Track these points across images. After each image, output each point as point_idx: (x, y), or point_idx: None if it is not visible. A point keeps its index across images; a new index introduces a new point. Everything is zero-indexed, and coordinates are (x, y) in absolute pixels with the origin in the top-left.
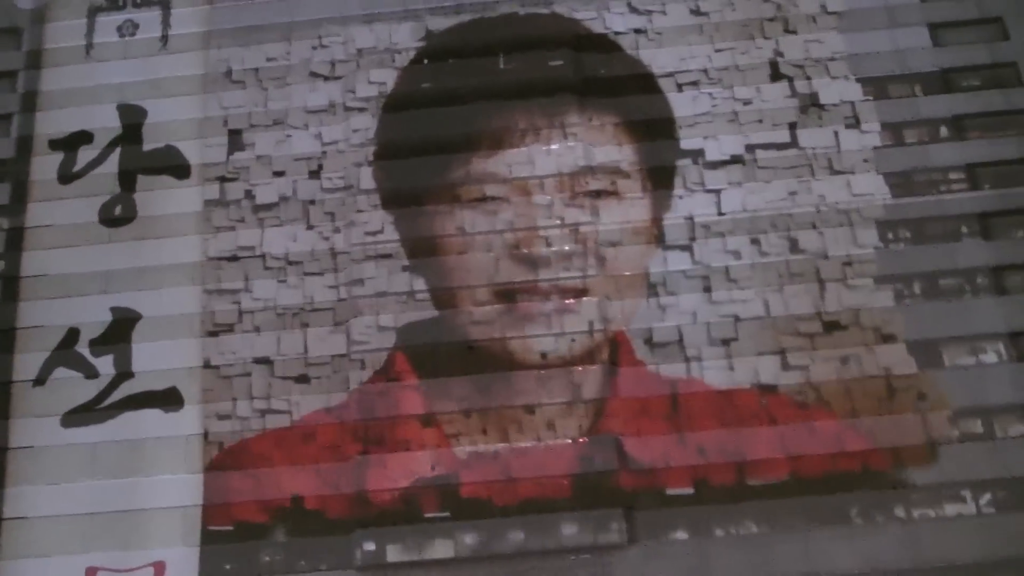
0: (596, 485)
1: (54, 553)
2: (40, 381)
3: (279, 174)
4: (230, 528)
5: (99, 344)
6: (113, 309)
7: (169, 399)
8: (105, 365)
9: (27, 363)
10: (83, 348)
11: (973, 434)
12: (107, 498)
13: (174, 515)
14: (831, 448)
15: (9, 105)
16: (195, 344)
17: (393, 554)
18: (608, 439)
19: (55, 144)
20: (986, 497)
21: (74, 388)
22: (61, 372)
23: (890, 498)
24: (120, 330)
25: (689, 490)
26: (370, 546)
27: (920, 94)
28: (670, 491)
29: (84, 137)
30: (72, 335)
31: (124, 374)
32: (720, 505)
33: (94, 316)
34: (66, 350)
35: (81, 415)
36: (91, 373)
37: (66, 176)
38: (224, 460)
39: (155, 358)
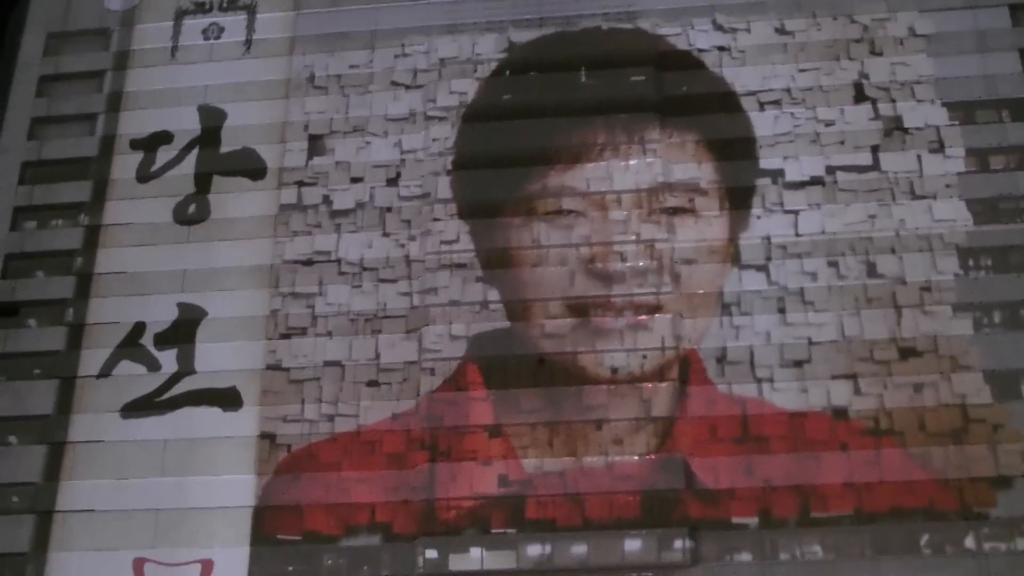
0: (662, 504)
1: (106, 547)
2: (104, 374)
3: (357, 180)
4: (296, 534)
5: (164, 339)
6: (180, 306)
7: (228, 399)
8: (168, 360)
9: (93, 358)
10: (148, 343)
11: None
12: (163, 495)
13: (227, 515)
14: (900, 479)
15: (95, 105)
16: (259, 346)
17: (455, 563)
18: (676, 459)
19: (136, 144)
20: None
21: (136, 381)
22: (125, 366)
23: (960, 529)
24: (186, 327)
25: (753, 519)
26: (432, 554)
27: (1008, 120)
28: (735, 520)
29: (164, 137)
30: (138, 329)
31: (186, 370)
32: (786, 529)
33: (162, 313)
34: (131, 344)
35: (141, 406)
36: (154, 366)
37: (144, 176)
38: (290, 464)
39: (219, 357)
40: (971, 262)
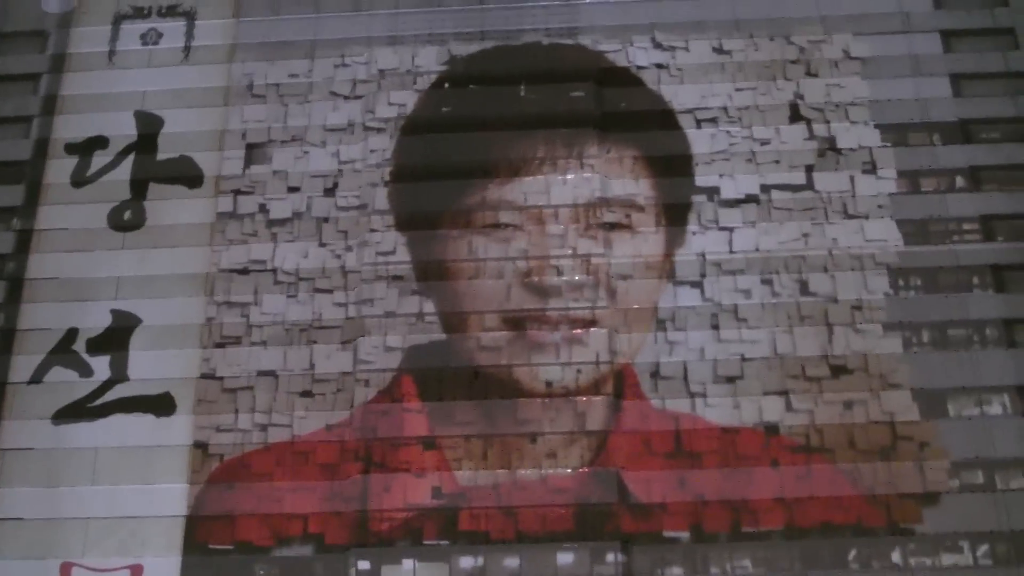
0: (595, 518)
1: (36, 555)
2: (35, 380)
3: (294, 190)
4: (228, 544)
5: (97, 346)
6: (114, 313)
7: (161, 405)
8: (101, 366)
9: (24, 364)
10: (80, 349)
11: (974, 485)
12: (94, 503)
13: (159, 524)
14: (829, 495)
15: (30, 108)
16: (194, 354)
17: (388, 574)
18: (609, 473)
19: (71, 148)
20: (983, 548)
21: (68, 388)
22: (57, 372)
23: (887, 545)
24: (119, 334)
25: (685, 533)
26: (364, 565)
27: (939, 143)
28: (667, 533)
29: (99, 142)
30: (71, 336)
31: (119, 377)
32: (717, 544)
33: (96, 320)
34: (64, 351)
35: (72, 412)
36: (86, 372)
37: (79, 180)
38: (223, 474)
39: (152, 365)
40: (901, 282)
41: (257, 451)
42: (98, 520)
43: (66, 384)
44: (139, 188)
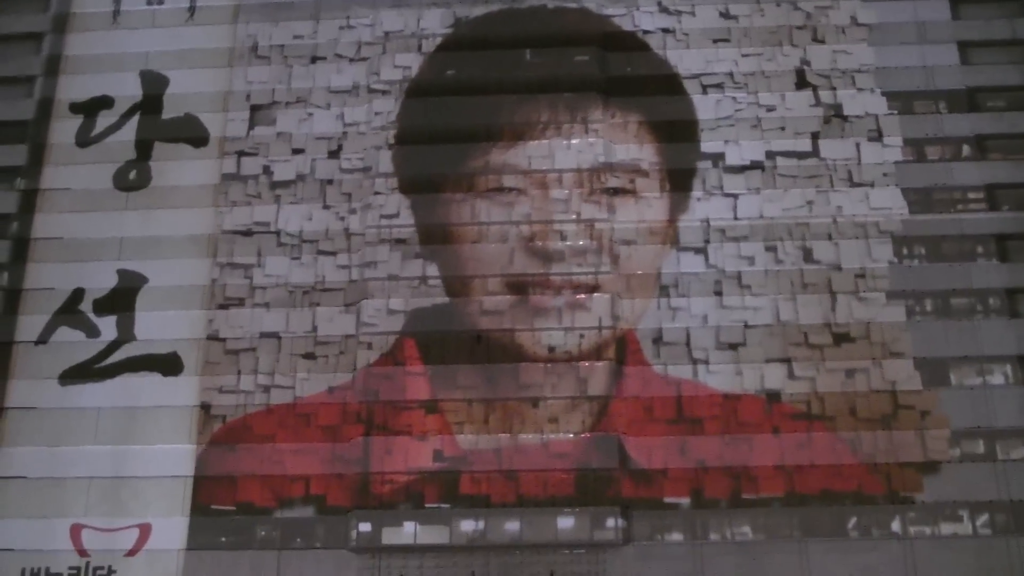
0: (596, 483)
1: (44, 514)
2: (42, 341)
3: (298, 152)
4: (230, 504)
5: (103, 306)
6: (120, 272)
7: (168, 365)
8: (107, 326)
9: (31, 324)
10: (87, 309)
11: (975, 455)
12: (102, 463)
13: (167, 484)
14: (830, 463)
15: (33, 68)
16: (199, 315)
17: (388, 537)
18: (610, 438)
19: (75, 108)
20: (983, 518)
21: (75, 348)
22: (63, 332)
23: (888, 513)
24: (125, 295)
25: (685, 499)
26: (366, 527)
27: (945, 111)
28: (667, 499)
29: (104, 102)
30: (77, 296)
31: (126, 337)
32: (717, 510)
33: (101, 280)
34: (70, 311)
35: (79, 373)
36: (93, 333)
37: (84, 141)
38: (225, 435)
39: (159, 325)
40: (905, 250)
41: (259, 412)
42: (101, 480)
43: (73, 344)
44: (144, 148)
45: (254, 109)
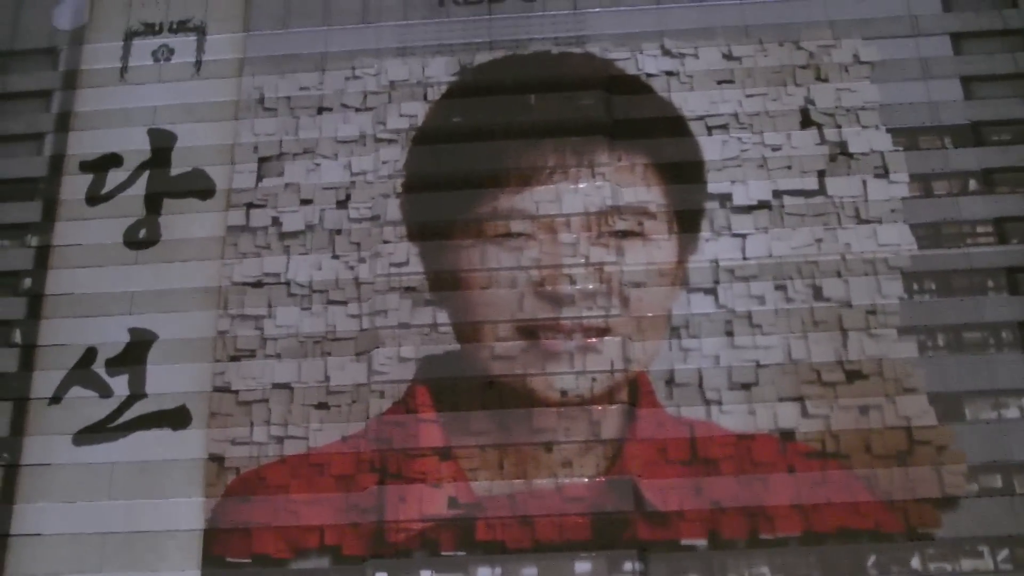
0: (612, 526)
1: (61, 572)
2: (56, 399)
3: (307, 202)
4: (245, 557)
5: (115, 364)
6: (131, 330)
7: (177, 418)
8: (120, 385)
9: (45, 380)
10: (99, 368)
11: (992, 489)
12: (115, 518)
13: (180, 538)
14: (846, 501)
15: (43, 125)
16: (208, 368)
17: None
18: (625, 481)
19: (85, 166)
20: (1004, 553)
21: (88, 407)
22: (77, 391)
23: (907, 551)
24: (137, 351)
25: (702, 541)
26: None
27: (950, 146)
28: (684, 541)
29: (114, 160)
30: (90, 354)
31: (137, 394)
32: (735, 551)
33: (113, 336)
34: (83, 369)
35: (93, 434)
36: (106, 392)
37: (94, 197)
38: (239, 487)
39: (168, 379)
40: (915, 286)
41: (273, 464)
42: (115, 535)
43: (86, 404)
44: (154, 203)
45: (262, 160)
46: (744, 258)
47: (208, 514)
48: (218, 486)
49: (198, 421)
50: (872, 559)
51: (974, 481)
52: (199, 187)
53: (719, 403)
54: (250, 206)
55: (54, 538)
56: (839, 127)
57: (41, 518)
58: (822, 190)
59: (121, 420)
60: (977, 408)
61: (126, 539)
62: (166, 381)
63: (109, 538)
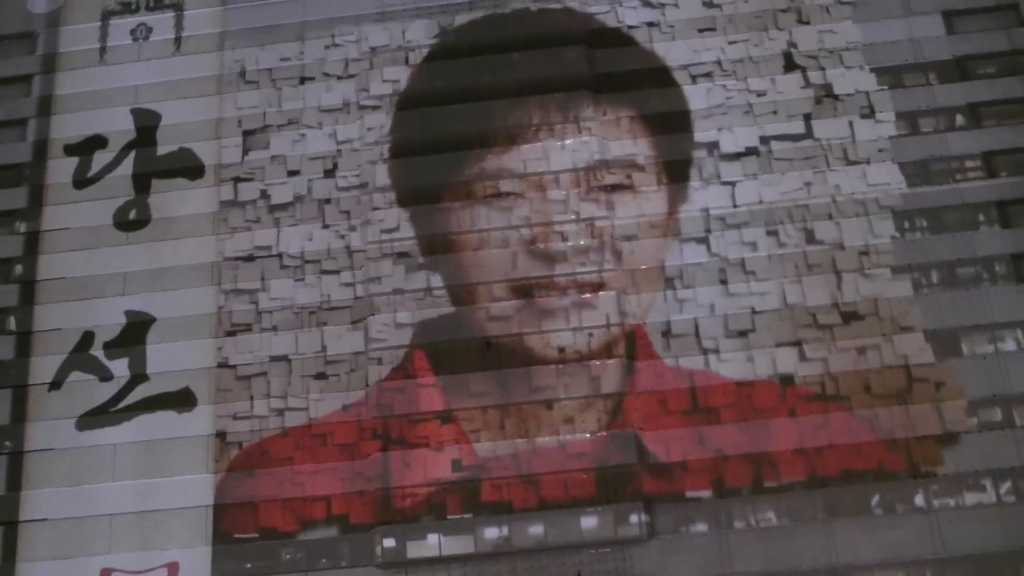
0: (616, 480)
1: (70, 555)
2: (56, 385)
3: (294, 173)
4: (252, 531)
5: (114, 347)
6: (128, 312)
7: (183, 400)
8: (120, 367)
9: (43, 366)
10: (98, 351)
11: (993, 423)
12: (123, 500)
13: (188, 516)
14: (849, 442)
15: (25, 110)
16: (209, 344)
17: (414, 550)
18: (627, 434)
19: (70, 149)
20: (1006, 485)
21: (89, 391)
22: (76, 375)
23: (910, 488)
24: (135, 332)
25: (707, 491)
26: (390, 543)
27: (935, 83)
28: (689, 492)
29: (98, 141)
30: (87, 338)
31: (139, 376)
32: (740, 498)
33: (109, 319)
34: (81, 353)
35: (96, 418)
36: (106, 376)
37: (81, 180)
38: (243, 462)
39: (169, 359)
40: (907, 224)
41: (275, 436)
42: (123, 516)
43: (87, 388)
44: (142, 183)
45: (247, 134)
46: (735, 205)
47: (215, 490)
48: (223, 462)
49: (203, 399)
50: (876, 498)
51: (974, 416)
52: (186, 165)
53: (717, 352)
54: (238, 180)
55: (62, 522)
56: (823, 69)
57: (48, 503)
58: (809, 133)
59: (124, 403)
60: (974, 342)
61: (134, 520)
62: (167, 361)
63: (116, 520)
